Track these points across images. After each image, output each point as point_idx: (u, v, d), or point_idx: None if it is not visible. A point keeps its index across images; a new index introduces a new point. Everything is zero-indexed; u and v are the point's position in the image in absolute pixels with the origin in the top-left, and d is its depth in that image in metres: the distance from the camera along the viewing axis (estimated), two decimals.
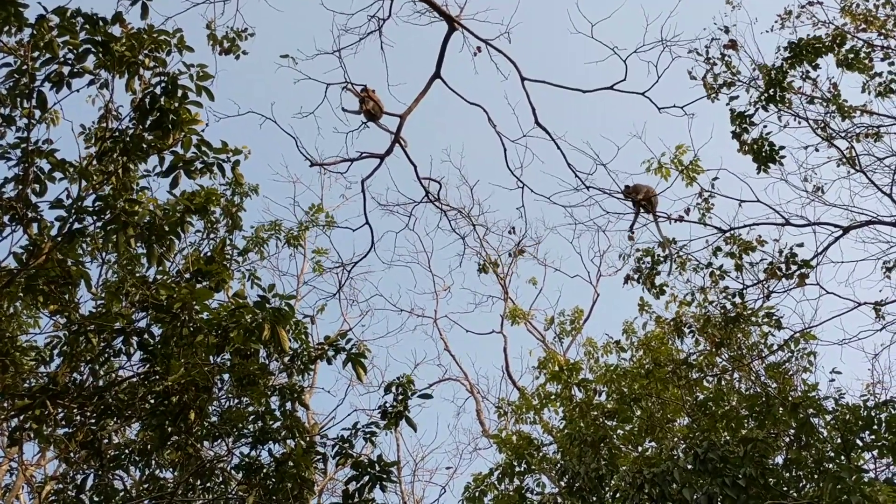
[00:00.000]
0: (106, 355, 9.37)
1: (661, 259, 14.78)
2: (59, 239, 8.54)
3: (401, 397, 10.42)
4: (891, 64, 14.89)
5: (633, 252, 15.12)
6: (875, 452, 11.82)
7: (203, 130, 8.82)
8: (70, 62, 8.57)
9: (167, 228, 8.96)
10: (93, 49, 8.53)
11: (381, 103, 14.05)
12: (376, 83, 14.06)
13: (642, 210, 15.46)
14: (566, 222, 29.08)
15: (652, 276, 14.79)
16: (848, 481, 9.78)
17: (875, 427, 11.50)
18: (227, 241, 10.87)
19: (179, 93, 8.60)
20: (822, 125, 15.30)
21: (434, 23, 13.59)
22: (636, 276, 14.89)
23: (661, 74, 13.62)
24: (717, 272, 14.34)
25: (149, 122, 8.64)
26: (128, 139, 8.77)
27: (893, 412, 11.47)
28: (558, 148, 13.76)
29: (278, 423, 10.01)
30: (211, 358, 9.17)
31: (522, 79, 13.48)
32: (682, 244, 14.71)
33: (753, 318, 14.13)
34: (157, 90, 8.60)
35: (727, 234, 14.46)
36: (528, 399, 17.99)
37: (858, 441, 11.73)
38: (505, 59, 13.48)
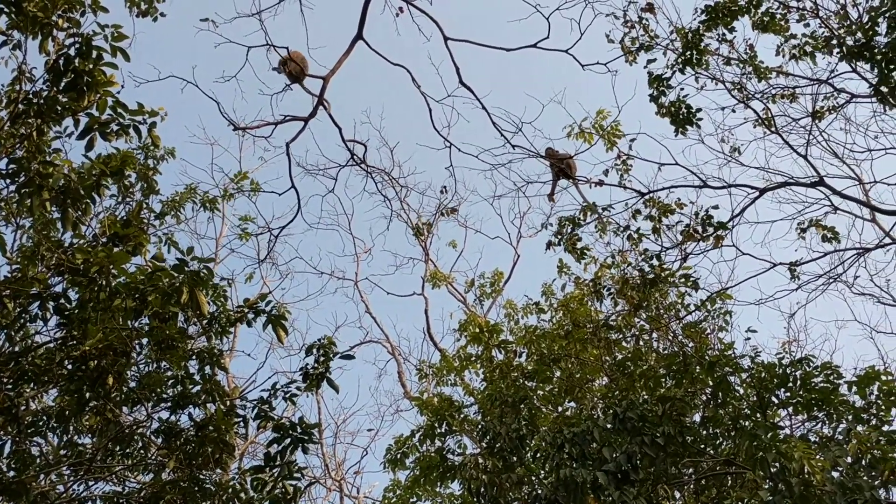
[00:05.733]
0: (22, 320, 9.28)
1: (582, 223, 14.83)
2: None
3: (322, 359, 10.40)
4: (806, 25, 15.03)
5: (553, 219, 15.16)
6: (790, 409, 11.99)
7: (118, 92, 8.73)
8: None
9: (83, 192, 8.84)
10: (5, 9, 8.38)
11: (304, 64, 13.93)
12: (298, 46, 13.95)
13: (561, 176, 15.54)
14: (487, 183, 29.07)
15: (573, 239, 14.85)
16: (764, 438, 9.90)
17: (790, 384, 11.66)
18: (144, 205, 10.74)
19: (94, 54, 8.48)
20: (739, 86, 15.45)
21: None
22: (557, 240, 14.92)
23: (583, 32, 13.63)
24: (636, 235, 14.43)
25: (63, 84, 8.52)
26: (42, 101, 8.65)
27: (808, 370, 11.65)
28: (483, 107, 13.72)
29: (198, 387, 9.97)
30: (129, 322, 9.10)
31: (445, 38, 13.40)
32: (602, 206, 14.76)
33: (671, 280, 14.27)
34: (72, 51, 8.48)
35: (646, 197, 14.57)
36: (450, 361, 18.05)
37: (774, 398, 11.89)
38: (427, 19, 13.42)
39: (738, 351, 12.71)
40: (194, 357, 10.07)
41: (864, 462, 9.84)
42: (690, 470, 11.89)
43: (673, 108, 15.03)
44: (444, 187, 21.99)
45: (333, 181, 21.58)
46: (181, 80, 12.58)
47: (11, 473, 9.64)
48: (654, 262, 14.07)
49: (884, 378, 11.46)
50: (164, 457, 9.84)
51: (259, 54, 13.51)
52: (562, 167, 15.40)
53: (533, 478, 12.55)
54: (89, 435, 10.43)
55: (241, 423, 10.16)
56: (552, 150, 15.40)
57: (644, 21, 15.46)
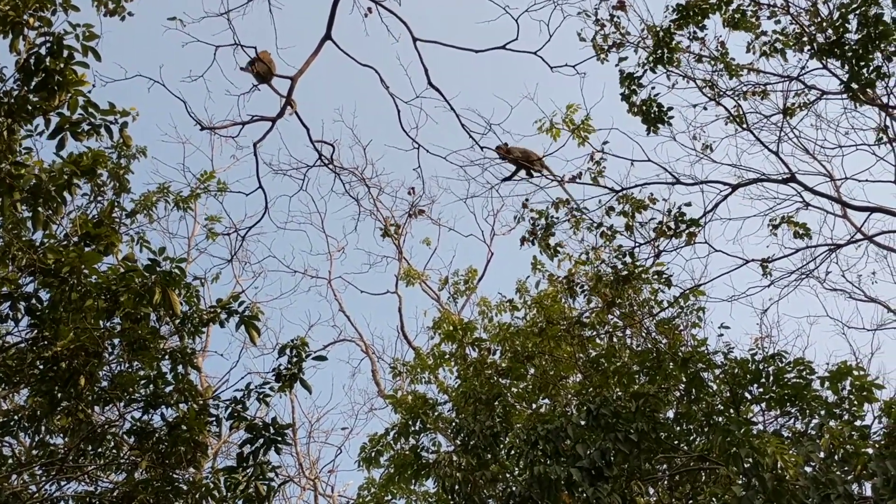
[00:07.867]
0: None
1: (556, 220, 14.82)
2: None
3: (295, 359, 10.38)
4: (777, 22, 15.07)
5: (526, 214, 15.13)
6: (763, 405, 12.02)
7: (90, 91, 8.68)
8: None
9: (54, 191, 8.81)
10: None
11: (272, 65, 13.87)
12: (266, 46, 13.87)
13: (524, 172, 15.54)
14: (460, 182, 29.01)
15: (547, 236, 14.83)
16: (737, 434, 9.92)
17: (763, 380, 11.69)
18: (115, 204, 10.70)
19: (65, 53, 8.43)
20: (710, 84, 15.48)
21: None
22: (531, 238, 14.91)
23: (552, 34, 13.60)
24: (609, 231, 14.44)
25: (34, 84, 8.47)
26: (12, 101, 8.59)
27: (781, 365, 11.69)
28: (451, 108, 13.67)
29: (170, 387, 9.93)
30: (101, 322, 9.07)
31: (414, 39, 13.35)
32: (574, 203, 14.76)
33: (644, 277, 14.29)
34: (43, 50, 8.43)
35: (619, 194, 14.57)
36: (423, 359, 18.03)
37: (747, 394, 11.92)
38: (396, 19, 13.38)
39: (711, 347, 12.75)
40: (167, 357, 10.04)
41: (836, 457, 9.88)
42: (664, 466, 11.91)
43: (644, 107, 15.04)
44: (412, 189, 21.85)
45: (303, 181, 21.51)
46: (148, 79, 12.50)
47: None
48: (628, 259, 14.09)
49: (856, 373, 11.50)
50: (136, 456, 9.81)
51: (227, 54, 13.44)
52: (518, 157, 15.37)
53: (507, 475, 12.54)
54: (61, 435, 10.39)
55: (215, 423, 10.14)
56: (505, 147, 15.28)
57: (616, 19, 15.48)
